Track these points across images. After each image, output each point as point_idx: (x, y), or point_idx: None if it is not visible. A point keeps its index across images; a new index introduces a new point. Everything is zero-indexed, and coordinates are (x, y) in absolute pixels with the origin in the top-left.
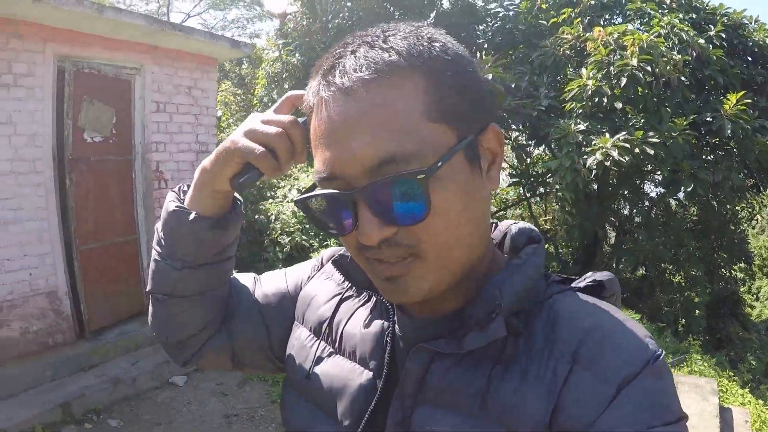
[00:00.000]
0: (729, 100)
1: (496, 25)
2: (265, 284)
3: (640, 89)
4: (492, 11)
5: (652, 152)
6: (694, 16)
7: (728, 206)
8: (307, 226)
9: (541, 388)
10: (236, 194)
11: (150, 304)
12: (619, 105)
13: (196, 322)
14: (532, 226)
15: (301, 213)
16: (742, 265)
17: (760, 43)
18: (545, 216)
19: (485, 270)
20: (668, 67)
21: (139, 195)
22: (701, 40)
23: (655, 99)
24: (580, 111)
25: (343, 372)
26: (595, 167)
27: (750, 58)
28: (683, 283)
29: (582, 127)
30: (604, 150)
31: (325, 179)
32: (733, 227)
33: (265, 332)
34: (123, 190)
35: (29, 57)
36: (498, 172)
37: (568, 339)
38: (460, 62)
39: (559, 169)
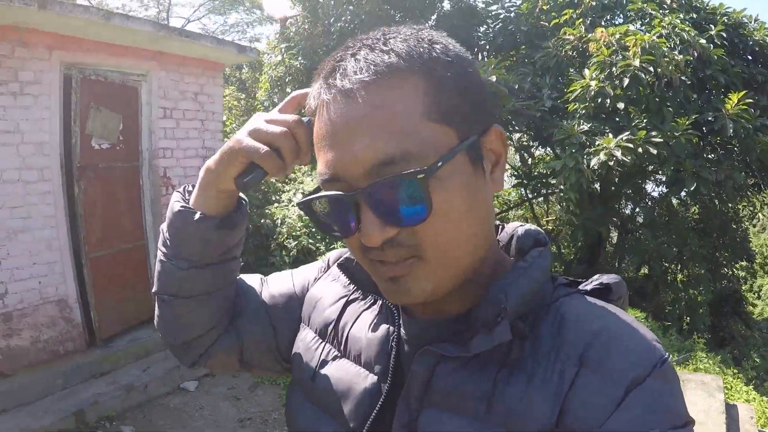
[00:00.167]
0: (730, 99)
1: (497, 26)
2: (272, 285)
3: (642, 89)
4: (493, 13)
5: (655, 152)
6: (695, 16)
7: (730, 205)
8: (314, 229)
9: (548, 391)
10: (241, 194)
11: (156, 305)
12: (621, 105)
13: (202, 323)
14: (539, 229)
15: (306, 216)
16: (744, 263)
17: (761, 42)
18: (547, 217)
19: (490, 272)
20: (670, 67)
21: (146, 201)
22: (702, 40)
23: (657, 99)
24: (583, 112)
25: (348, 375)
26: (598, 167)
27: (750, 57)
28: (686, 282)
29: (585, 127)
30: (608, 150)
31: (328, 181)
32: (734, 226)
33: (272, 333)
34: (131, 196)
35: (36, 65)
36: (502, 174)
37: (574, 342)
38: (461, 64)
39: (563, 169)
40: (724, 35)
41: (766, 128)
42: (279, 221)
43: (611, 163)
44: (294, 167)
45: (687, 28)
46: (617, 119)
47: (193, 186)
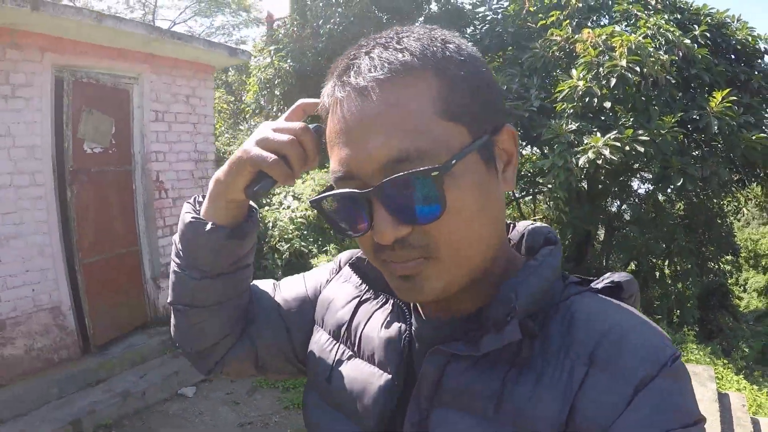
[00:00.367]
0: (715, 97)
1: (484, 28)
2: (285, 289)
3: (628, 89)
4: (480, 14)
5: (642, 150)
6: (679, 16)
7: (715, 201)
8: (305, 232)
9: (557, 391)
10: (251, 202)
11: (172, 315)
12: (608, 104)
13: (216, 331)
14: (549, 227)
15: (298, 220)
16: (730, 257)
17: (743, 41)
18: (534, 216)
19: (501, 271)
20: (656, 67)
21: (139, 206)
22: (687, 40)
23: (643, 98)
24: (571, 111)
25: (362, 375)
26: (587, 166)
27: (733, 56)
28: (674, 276)
29: (573, 127)
30: (596, 149)
31: (341, 179)
32: (719, 221)
33: (286, 337)
34: (123, 200)
35: (27, 67)
36: (514, 173)
37: (584, 340)
38: (474, 63)
39: (552, 168)
40: (708, 35)
41: (750, 125)
42: (270, 224)
43: (599, 162)
44: (302, 174)
45: (672, 29)
46: (604, 118)
47: (203, 197)
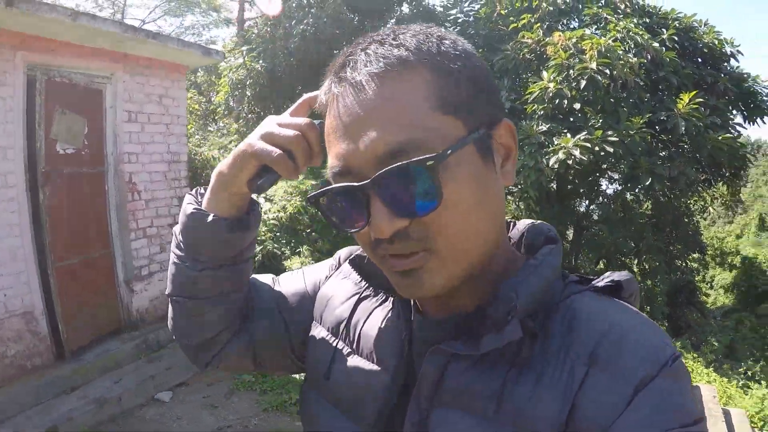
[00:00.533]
0: (682, 99)
1: (456, 30)
2: (284, 284)
3: (598, 91)
4: (452, 17)
5: (611, 150)
6: (648, 20)
7: (682, 200)
8: (278, 234)
9: (557, 391)
10: (253, 196)
11: (170, 307)
12: (578, 106)
13: (214, 324)
14: (550, 226)
15: (271, 222)
16: (697, 255)
17: (710, 44)
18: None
19: (501, 269)
20: (625, 70)
21: (112, 208)
22: (655, 44)
23: (612, 100)
24: (542, 113)
25: (361, 373)
26: (557, 166)
27: (700, 59)
28: (643, 274)
29: (544, 128)
30: (567, 149)
31: (339, 174)
32: (686, 220)
33: (285, 332)
34: (96, 203)
35: None
36: (513, 168)
37: (585, 340)
38: (470, 58)
39: (523, 168)
40: (676, 39)
41: (716, 126)
42: None
43: (570, 162)
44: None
45: (640, 32)
46: (574, 120)
47: (206, 189)
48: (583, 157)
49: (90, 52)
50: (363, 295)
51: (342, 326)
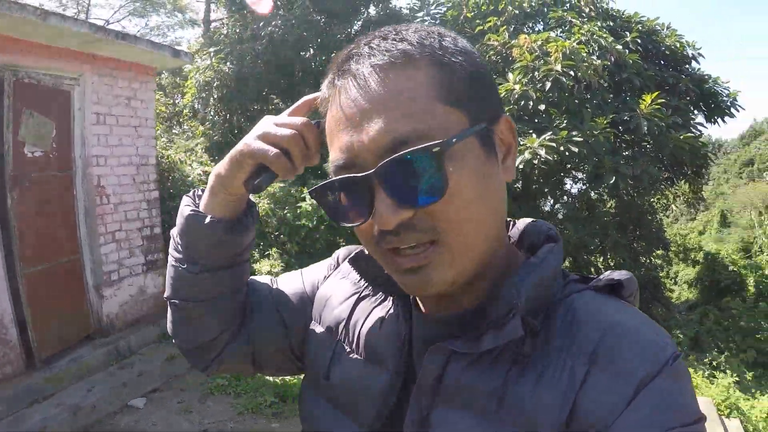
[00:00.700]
0: (645, 100)
1: None
2: (282, 285)
3: (562, 92)
4: (418, 19)
5: (576, 150)
6: (612, 23)
7: (645, 198)
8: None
9: (558, 390)
10: (250, 197)
11: (168, 310)
12: (543, 107)
13: (213, 327)
14: (551, 225)
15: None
16: (661, 252)
17: (672, 47)
18: None
19: (502, 268)
20: (589, 72)
21: (80, 212)
22: (618, 46)
23: (577, 101)
24: (508, 114)
25: (360, 372)
26: (523, 166)
27: (663, 62)
28: (608, 270)
29: None
30: (533, 150)
31: (342, 167)
32: (650, 217)
33: (284, 333)
34: (64, 207)
35: None
36: (514, 163)
37: (585, 339)
38: (470, 54)
39: None
40: (639, 41)
41: (678, 126)
42: None
43: (536, 162)
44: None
45: (604, 35)
46: (539, 120)
47: (203, 190)
48: (549, 157)
49: (58, 52)
50: (362, 294)
51: (341, 326)
